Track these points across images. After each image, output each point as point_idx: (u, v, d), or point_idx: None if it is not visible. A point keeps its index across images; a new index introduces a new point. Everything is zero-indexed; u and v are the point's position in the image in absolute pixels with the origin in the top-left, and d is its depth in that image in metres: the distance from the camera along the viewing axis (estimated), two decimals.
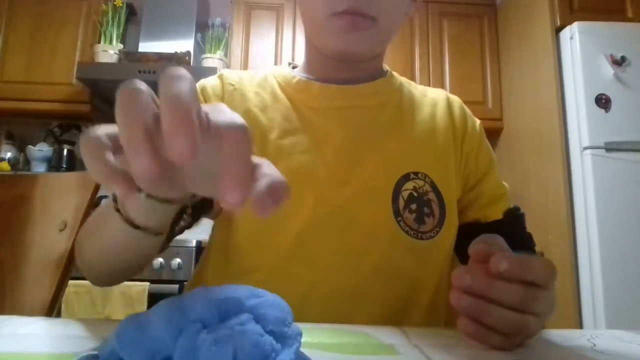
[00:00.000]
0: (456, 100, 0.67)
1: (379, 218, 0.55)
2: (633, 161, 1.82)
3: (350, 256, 0.54)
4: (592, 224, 1.78)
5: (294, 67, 0.66)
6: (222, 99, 0.60)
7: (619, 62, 1.88)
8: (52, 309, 0.73)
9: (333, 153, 0.56)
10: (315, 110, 0.59)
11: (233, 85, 0.61)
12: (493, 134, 2.44)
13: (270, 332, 0.22)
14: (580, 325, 1.78)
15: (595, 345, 0.37)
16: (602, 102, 1.86)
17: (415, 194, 0.56)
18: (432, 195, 0.56)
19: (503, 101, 2.44)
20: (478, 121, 0.66)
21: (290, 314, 0.25)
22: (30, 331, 0.36)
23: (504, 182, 0.65)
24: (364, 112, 0.60)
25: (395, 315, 0.54)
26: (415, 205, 0.55)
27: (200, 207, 0.54)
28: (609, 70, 1.88)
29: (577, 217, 1.86)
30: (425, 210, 0.56)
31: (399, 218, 0.55)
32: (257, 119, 0.58)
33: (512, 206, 0.63)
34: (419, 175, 0.57)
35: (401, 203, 0.55)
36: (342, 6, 0.51)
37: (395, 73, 0.67)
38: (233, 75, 0.63)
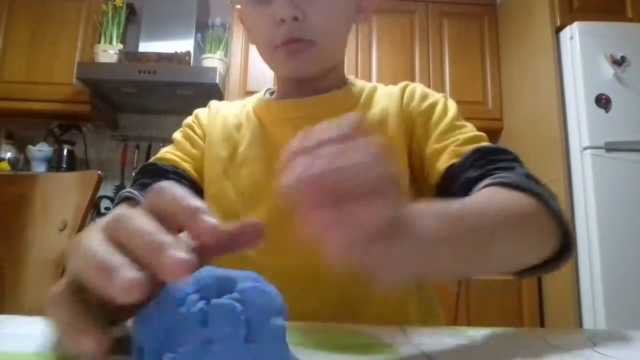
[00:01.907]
0: (411, 86, 0.68)
1: None
2: (633, 161, 1.82)
3: (305, 250, 0.56)
4: (592, 224, 1.78)
5: (272, 93, 0.73)
6: (207, 119, 0.71)
7: (619, 62, 1.88)
8: None
9: None
10: (275, 125, 0.66)
11: (217, 109, 0.72)
12: (493, 134, 2.44)
13: (248, 318, 0.23)
14: (580, 325, 1.78)
15: (595, 345, 0.37)
16: (602, 102, 1.87)
17: None
18: None
19: (503, 101, 2.44)
20: (435, 97, 0.65)
21: (279, 309, 0.25)
22: (30, 331, 0.36)
23: (464, 135, 0.58)
24: (316, 120, 0.62)
25: (359, 297, 0.56)
26: None
27: None
28: (609, 70, 1.88)
29: (577, 217, 1.86)
30: None
31: None
32: (231, 134, 0.68)
33: (455, 160, 0.56)
34: None
35: None
36: (280, 39, 0.58)
37: (360, 81, 0.70)
38: (218, 103, 0.74)
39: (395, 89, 0.68)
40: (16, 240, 0.83)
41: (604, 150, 1.83)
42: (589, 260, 1.78)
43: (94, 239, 0.25)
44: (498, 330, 0.41)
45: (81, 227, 0.79)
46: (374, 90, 0.69)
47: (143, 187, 0.61)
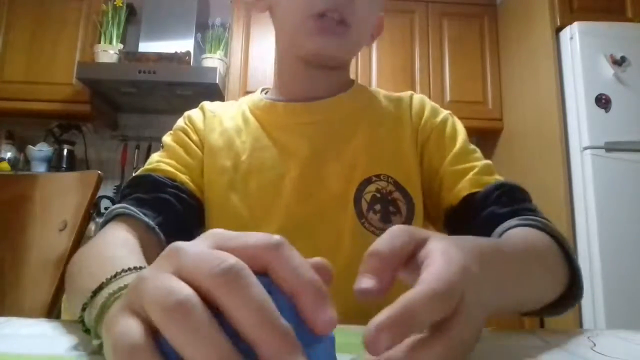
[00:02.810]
0: (418, 97, 0.69)
1: (344, 222, 0.58)
2: (633, 161, 1.82)
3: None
4: (592, 224, 1.78)
5: (267, 92, 0.71)
6: (203, 123, 0.66)
7: (619, 62, 1.88)
8: (52, 309, 0.73)
9: (299, 167, 0.60)
10: (281, 129, 0.63)
11: (213, 112, 0.67)
12: (493, 134, 2.44)
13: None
14: (580, 325, 1.78)
15: (595, 345, 0.37)
16: (602, 102, 1.86)
17: (379, 195, 0.59)
18: (397, 195, 0.59)
19: (503, 101, 2.44)
20: (444, 113, 0.66)
21: None
22: (30, 332, 0.36)
23: (478, 162, 0.60)
24: (326, 125, 0.63)
25: (366, 310, 0.55)
26: (380, 206, 0.58)
27: None
28: (609, 70, 1.88)
29: (577, 217, 1.86)
30: (391, 209, 0.58)
31: (363, 220, 0.58)
32: (233, 141, 0.64)
33: (478, 189, 0.57)
34: (381, 177, 0.60)
35: (364, 205, 0.59)
36: (319, 7, 0.55)
37: (361, 85, 0.70)
38: (212, 105, 0.70)
39: (401, 98, 0.68)
40: (16, 240, 0.83)
41: (604, 150, 1.83)
42: (589, 260, 1.78)
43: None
44: (498, 330, 0.41)
45: (81, 227, 0.79)
46: (377, 94, 0.69)
47: (139, 202, 0.55)
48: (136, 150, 2.56)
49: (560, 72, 2.00)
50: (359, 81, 0.72)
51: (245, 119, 0.66)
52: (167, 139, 0.65)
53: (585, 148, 1.84)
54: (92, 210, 0.81)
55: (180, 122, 0.68)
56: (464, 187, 0.58)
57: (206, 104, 0.70)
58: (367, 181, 0.60)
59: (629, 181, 1.81)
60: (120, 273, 0.33)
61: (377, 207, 0.58)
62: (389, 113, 0.66)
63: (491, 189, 0.56)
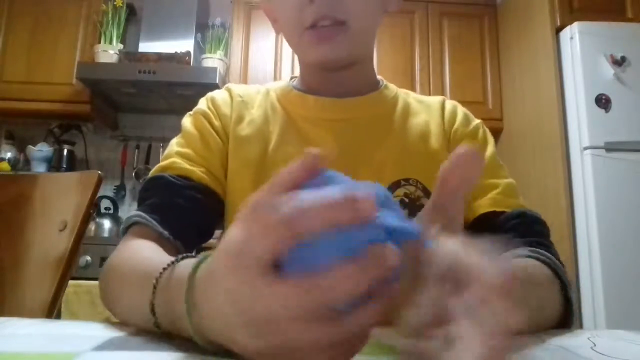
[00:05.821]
0: (451, 102, 0.68)
1: None
2: (633, 161, 1.82)
3: None
4: (592, 224, 1.78)
5: (294, 80, 0.67)
6: (231, 107, 0.62)
7: (619, 62, 1.88)
8: (52, 309, 0.73)
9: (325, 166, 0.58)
10: (309, 123, 0.61)
11: (241, 97, 0.64)
12: (493, 134, 2.42)
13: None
14: (580, 325, 1.78)
15: (595, 345, 0.37)
16: (602, 102, 1.86)
17: (407, 200, 0.57)
18: (425, 201, 0.57)
19: (503, 101, 2.45)
20: (476, 121, 0.66)
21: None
22: (30, 332, 0.36)
23: (504, 180, 0.60)
24: (356, 124, 0.62)
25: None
26: (407, 212, 0.57)
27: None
28: (609, 70, 1.88)
29: (577, 217, 1.86)
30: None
31: None
32: (261, 130, 0.61)
33: (504, 210, 0.56)
34: (410, 181, 0.58)
35: None
36: (310, 19, 0.54)
37: (391, 85, 0.68)
38: (240, 88, 0.66)
39: (433, 102, 0.67)
40: (16, 240, 0.83)
41: (604, 150, 1.83)
42: (589, 260, 1.78)
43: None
44: None
45: (81, 227, 0.79)
46: (407, 97, 0.67)
47: (153, 209, 0.53)
48: (136, 150, 2.56)
49: (560, 72, 2.01)
50: None
51: (274, 108, 0.63)
52: (186, 122, 0.61)
53: (585, 148, 1.84)
54: (92, 211, 0.81)
55: (202, 104, 0.63)
56: (484, 204, 0.57)
57: (233, 86, 0.66)
58: (396, 184, 0.58)
59: (629, 181, 1.81)
60: (177, 260, 0.34)
61: (405, 213, 0.57)
62: (420, 117, 0.64)
63: (511, 216, 0.56)
